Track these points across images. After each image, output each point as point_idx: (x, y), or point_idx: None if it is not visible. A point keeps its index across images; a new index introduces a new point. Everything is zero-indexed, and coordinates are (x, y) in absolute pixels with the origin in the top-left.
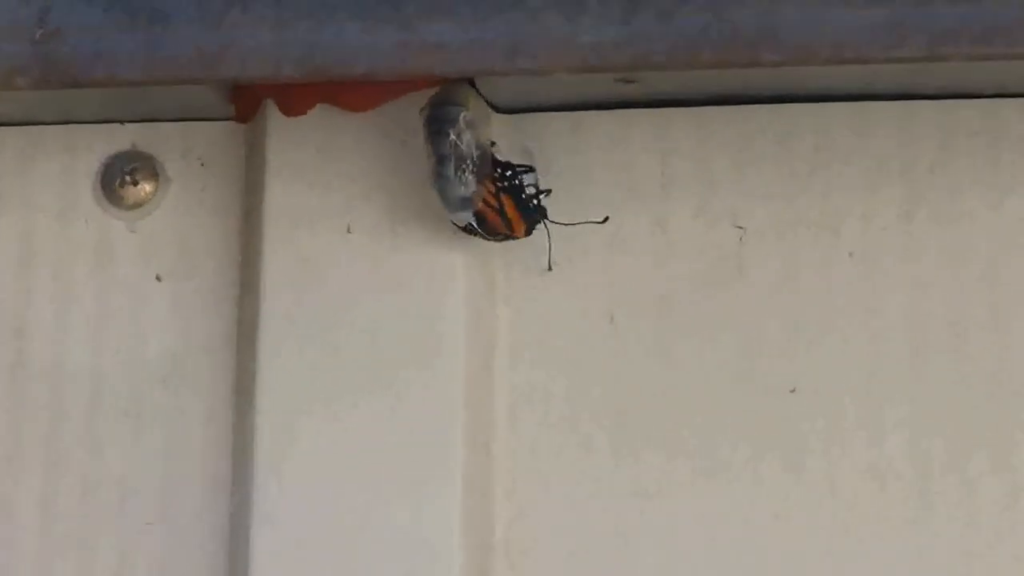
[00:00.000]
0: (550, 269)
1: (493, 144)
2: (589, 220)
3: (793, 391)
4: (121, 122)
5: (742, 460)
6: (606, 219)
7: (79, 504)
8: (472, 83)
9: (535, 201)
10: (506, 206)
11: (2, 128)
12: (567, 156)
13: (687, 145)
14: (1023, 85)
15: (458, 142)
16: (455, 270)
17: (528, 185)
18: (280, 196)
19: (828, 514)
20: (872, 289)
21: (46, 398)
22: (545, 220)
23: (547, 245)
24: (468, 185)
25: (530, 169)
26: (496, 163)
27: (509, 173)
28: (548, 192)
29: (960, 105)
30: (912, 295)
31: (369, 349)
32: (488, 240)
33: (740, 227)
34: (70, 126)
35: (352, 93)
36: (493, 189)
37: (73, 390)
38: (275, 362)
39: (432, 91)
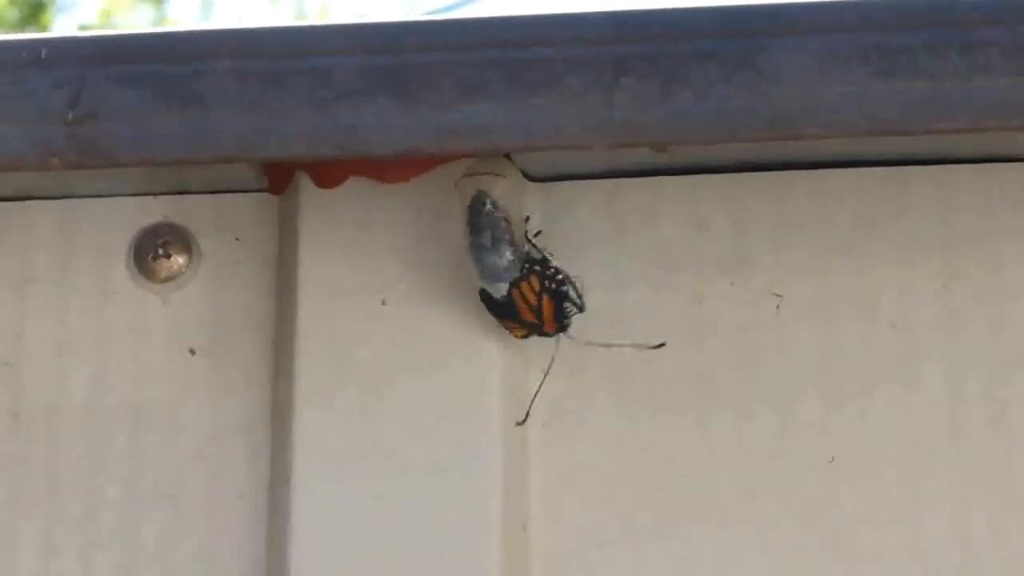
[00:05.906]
0: (524, 421)
1: (544, 253)
2: (640, 344)
3: (831, 460)
4: (153, 195)
5: (783, 535)
6: (661, 345)
7: None
8: (507, 153)
9: (578, 299)
10: (544, 309)
11: (34, 202)
12: (602, 227)
13: (722, 216)
14: None
15: (494, 211)
16: (492, 346)
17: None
18: (314, 270)
19: None
20: (912, 362)
21: (83, 482)
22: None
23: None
24: (503, 255)
25: None
26: (547, 265)
27: (560, 277)
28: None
29: (999, 170)
30: (952, 368)
31: (405, 427)
32: (512, 335)
33: (778, 295)
34: (102, 199)
35: (385, 166)
36: (537, 288)
37: (110, 471)
38: (310, 440)
39: (466, 163)
